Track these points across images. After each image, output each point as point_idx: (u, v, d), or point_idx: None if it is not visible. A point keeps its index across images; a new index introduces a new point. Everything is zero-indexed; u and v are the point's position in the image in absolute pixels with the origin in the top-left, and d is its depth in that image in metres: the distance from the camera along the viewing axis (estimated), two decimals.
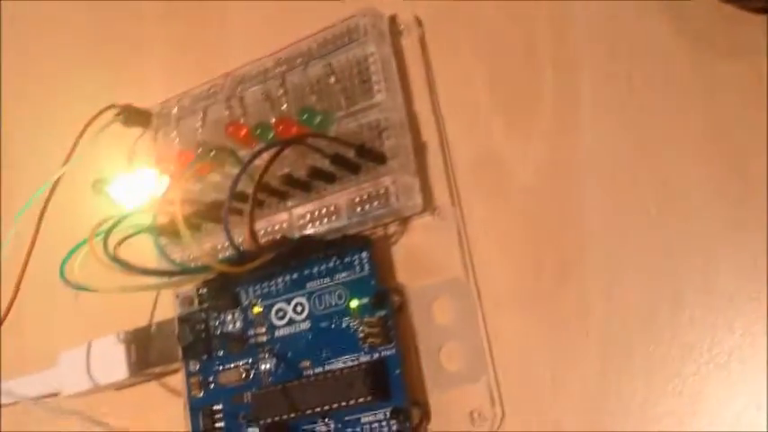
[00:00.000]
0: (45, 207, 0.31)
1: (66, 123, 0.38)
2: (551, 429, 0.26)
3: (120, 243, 0.28)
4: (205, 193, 0.30)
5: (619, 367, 0.25)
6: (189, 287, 0.32)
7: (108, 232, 0.27)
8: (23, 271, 0.31)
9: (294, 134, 0.26)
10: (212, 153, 0.28)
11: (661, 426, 0.25)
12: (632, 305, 0.25)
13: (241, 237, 0.28)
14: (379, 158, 0.28)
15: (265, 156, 0.26)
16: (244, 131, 0.27)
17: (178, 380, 0.33)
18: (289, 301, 0.30)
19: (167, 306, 0.34)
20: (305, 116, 0.26)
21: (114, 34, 0.38)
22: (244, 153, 0.29)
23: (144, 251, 0.30)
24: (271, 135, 0.27)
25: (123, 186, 0.30)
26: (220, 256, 0.29)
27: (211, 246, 0.30)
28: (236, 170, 0.29)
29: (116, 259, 0.26)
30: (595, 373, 0.26)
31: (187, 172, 0.26)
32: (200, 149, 0.28)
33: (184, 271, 0.27)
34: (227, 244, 0.30)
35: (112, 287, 0.28)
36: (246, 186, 0.28)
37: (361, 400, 0.28)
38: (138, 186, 0.30)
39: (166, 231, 0.30)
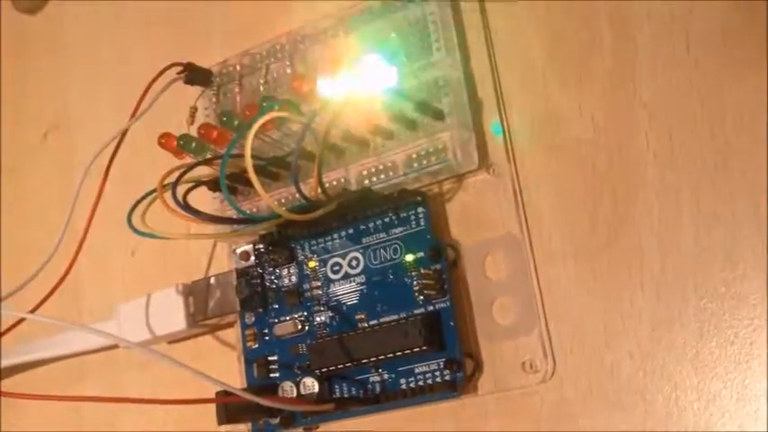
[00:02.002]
0: (111, 161, 0.32)
1: (124, 82, 0.39)
2: (604, 379, 0.27)
3: (186, 194, 0.29)
4: (263, 149, 0.31)
5: (672, 318, 0.26)
6: (245, 243, 0.33)
7: (176, 183, 0.28)
8: (89, 224, 0.32)
9: None
10: (276, 107, 0.28)
11: (714, 375, 0.25)
12: (686, 258, 0.26)
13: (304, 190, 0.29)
14: (437, 115, 0.29)
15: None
16: (308, 86, 0.28)
17: (231, 334, 0.34)
18: (344, 256, 0.31)
19: (221, 265, 0.35)
20: None
21: None
22: (308, 109, 0.30)
23: (202, 206, 0.31)
24: None
25: None
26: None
27: (275, 198, 0.31)
28: (298, 127, 0.30)
29: (186, 207, 0.26)
30: (648, 324, 0.26)
31: (253, 124, 0.27)
32: (265, 103, 0.28)
33: (252, 219, 0.28)
34: (283, 201, 0.31)
35: (179, 234, 0.28)
36: (308, 144, 0.29)
37: (416, 349, 0.28)
38: None
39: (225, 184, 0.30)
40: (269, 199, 0.26)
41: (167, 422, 0.36)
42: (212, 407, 0.31)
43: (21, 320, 0.33)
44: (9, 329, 0.33)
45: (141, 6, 0.40)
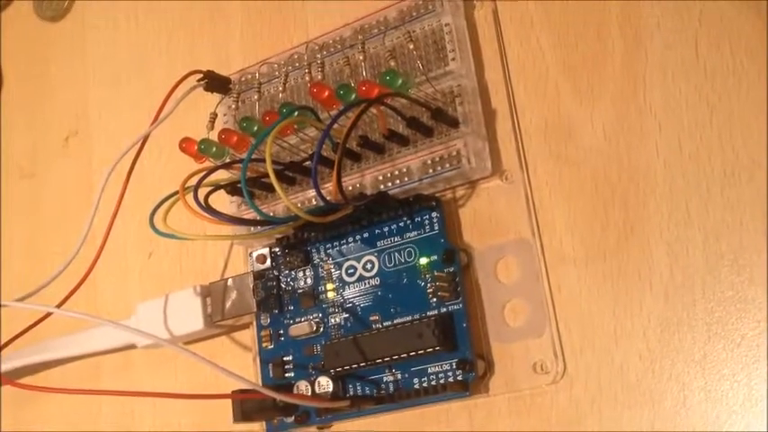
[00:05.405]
0: (133, 165, 0.32)
1: (143, 88, 0.40)
2: (613, 380, 0.27)
3: (206, 197, 0.29)
4: (280, 155, 0.32)
5: (680, 320, 0.27)
6: (261, 246, 0.34)
7: (198, 185, 0.28)
8: (110, 226, 0.33)
9: (377, 95, 0.28)
10: (296, 113, 0.29)
11: (721, 376, 0.26)
12: (695, 262, 0.27)
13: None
14: (452, 123, 0.30)
15: (349, 115, 0.28)
16: (327, 92, 0.29)
17: (246, 335, 0.35)
18: (359, 259, 0.32)
19: (236, 269, 0.35)
20: (387, 77, 0.28)
21: (194, 3, 0.40)
22: (325, 116, 0.31)
23: (221, 209, 0.32)
24: (353, 96, 0.29)
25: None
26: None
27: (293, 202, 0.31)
28: (314, 133, 0.31)
29: (208, 208, 0.27)
30: (657, 326, 0.27)
31: (273, 130, 0.28)
32: (285, 109, 0.29)
33: (272, 220, 0.29)
34: (299, 205, 0.32)
35: (199, 235, 0.29)
36: (324, 150, 0.30)
37: (429, 350, 0.29)
38: None
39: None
40: (289, 200, 0.27)
41: (182, 422, 0.36)
42: (227, 407, 0.32)
43: (47, 315, 0.34)
44: (35, 324, 0.34)
45: (161, 15, 0.41)
